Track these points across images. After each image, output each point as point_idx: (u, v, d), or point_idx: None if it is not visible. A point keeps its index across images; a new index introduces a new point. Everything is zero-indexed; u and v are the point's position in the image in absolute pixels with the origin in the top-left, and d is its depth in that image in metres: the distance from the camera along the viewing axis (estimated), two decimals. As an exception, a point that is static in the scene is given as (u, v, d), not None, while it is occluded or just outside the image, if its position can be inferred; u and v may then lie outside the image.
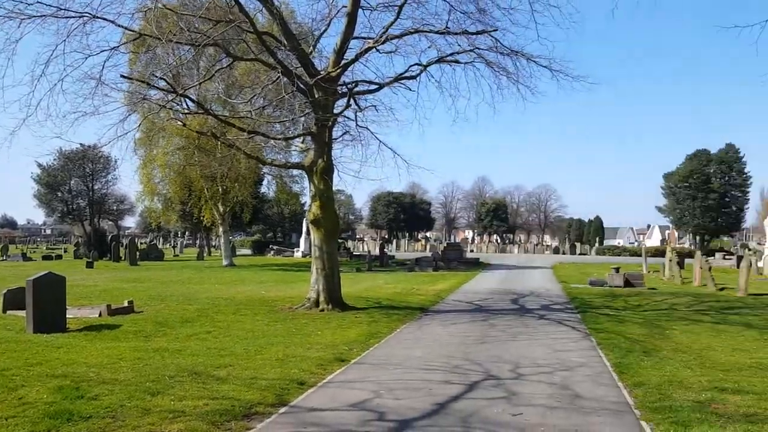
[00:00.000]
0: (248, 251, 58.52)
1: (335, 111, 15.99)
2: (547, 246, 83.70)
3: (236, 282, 25.00)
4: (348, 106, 15.72)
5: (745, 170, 76.36)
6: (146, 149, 35.50)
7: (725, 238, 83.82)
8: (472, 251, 68.87)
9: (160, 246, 62.65)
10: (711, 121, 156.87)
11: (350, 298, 17.59)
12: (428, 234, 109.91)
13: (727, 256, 48.67)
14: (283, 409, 6.79)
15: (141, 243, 59.06)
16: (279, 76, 14.08)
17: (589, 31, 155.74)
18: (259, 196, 47.87)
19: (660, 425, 6.12)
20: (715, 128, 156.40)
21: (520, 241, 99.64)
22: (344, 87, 16.10)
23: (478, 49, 15.68)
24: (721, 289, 22.73)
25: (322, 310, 15.36)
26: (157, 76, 18.19)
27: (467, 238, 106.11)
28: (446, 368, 8.94)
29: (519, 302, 18.42)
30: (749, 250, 54.55)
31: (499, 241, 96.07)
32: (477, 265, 39.77)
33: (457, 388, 7.72)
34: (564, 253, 68.90)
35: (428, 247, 69.93)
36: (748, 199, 78.72)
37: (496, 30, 15.19)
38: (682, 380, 8.03)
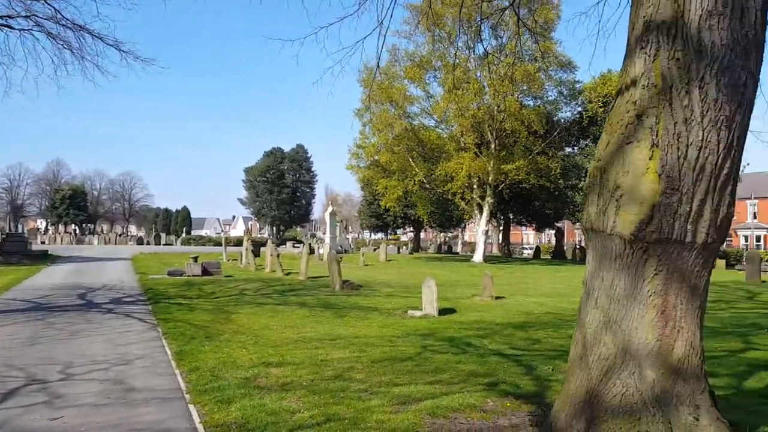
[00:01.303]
0: None
1: None
2: (132, 236, 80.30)
3: None
4: None
5: (313, 168, 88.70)
6: None
7: (298, 229, 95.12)
8: (43, 242, 61.21)
9: None
10: (285, 120, 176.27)
11: None
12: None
13: (296, 245, 55.12)
14: None
15: None
16: None
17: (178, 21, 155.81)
18: None
19: (206, 405, 6.37)
20: (288, 128, 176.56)
21: (102, 231, 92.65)
22: None
23: (36, 16, 13.79)
24: (288, 274, 25.55)
25: None
26: None
27: (39, 228, 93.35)
28: (-24, 380, 7.56)
29: (87, 297, 17.01)
30: (316, 239, 62.99)
31: (77, 231, 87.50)
32: (46, 258, 35.33)
33: (-14, 400, 6.60)
34: (149, 244, 67.09)
35: (-17, 238, 58.88)
36: (315, 194, 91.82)
37: (54, -2, 13.64)
38: (235, 360, 8.59)
